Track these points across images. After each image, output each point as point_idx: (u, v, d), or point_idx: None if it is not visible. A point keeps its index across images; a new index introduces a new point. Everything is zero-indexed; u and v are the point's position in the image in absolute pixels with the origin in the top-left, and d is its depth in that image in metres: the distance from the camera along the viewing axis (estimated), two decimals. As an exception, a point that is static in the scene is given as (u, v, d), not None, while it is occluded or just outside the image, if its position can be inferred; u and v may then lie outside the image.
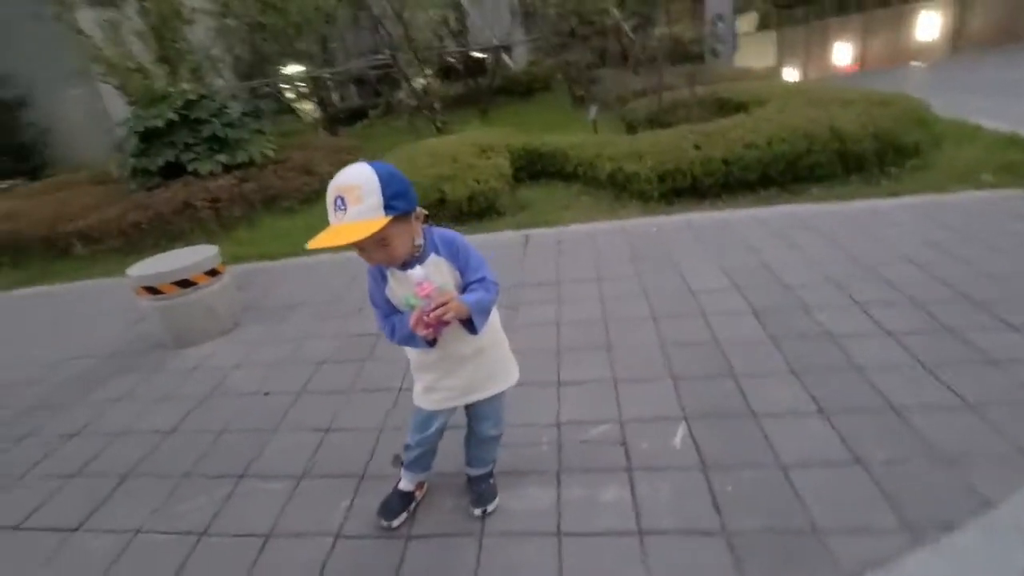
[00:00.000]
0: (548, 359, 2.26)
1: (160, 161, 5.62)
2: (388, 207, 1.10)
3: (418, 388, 1.44)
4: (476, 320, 1.24)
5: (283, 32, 9.55)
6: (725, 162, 3.93)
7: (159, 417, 2.31)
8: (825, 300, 2.40)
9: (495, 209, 4.37)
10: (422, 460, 1.55)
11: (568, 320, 2.59)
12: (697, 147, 4.04)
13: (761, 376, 1.94)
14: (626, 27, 9.94)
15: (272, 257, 4.33)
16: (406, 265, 1.22)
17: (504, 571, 1.36)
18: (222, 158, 5.75)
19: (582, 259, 3.30)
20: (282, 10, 9.20)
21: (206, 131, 5.79)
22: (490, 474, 1.59)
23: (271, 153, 6.00)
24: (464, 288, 1.29)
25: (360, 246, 1.14)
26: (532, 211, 4.38)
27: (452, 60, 11.76)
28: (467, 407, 1.48)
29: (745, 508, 1.42)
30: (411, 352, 1.40)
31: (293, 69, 11.31)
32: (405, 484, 1.58)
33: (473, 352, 1.37)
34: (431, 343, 1.24)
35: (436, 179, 4.35)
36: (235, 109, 6.48)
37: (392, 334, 1.30)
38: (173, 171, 5.73)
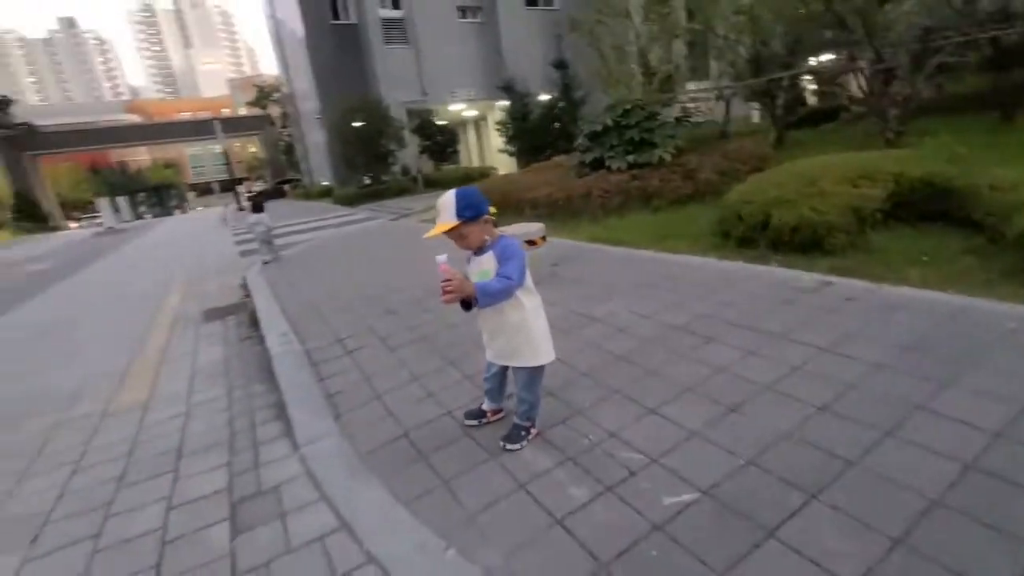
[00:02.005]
0: None
1: (590, 157, 7.45)
2: (459, 214, 1.83)
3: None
4: (478, 298, 1.82)
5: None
6: None
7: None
8: None
9: (822, 246, 3.80)
10: (490, 393, 2.24)
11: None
12: None
13: None
14: None
15: (611, 243, 5.31)
16: (478, 252, 1.92)
17: (490, 478, 1.94)
18: (631, 158, 7.03)
19: (869, 337, 2.69)
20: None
21: (628, 135, 7.17)
22: (524, 428, 2.11)
23: (668, 157, 6.83)
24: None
25: (450, 237, 1.92)
26: (869, 257, 3.57)
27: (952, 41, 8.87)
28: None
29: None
30: None
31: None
32: (483, 405, 2.31)
33: (501, 328, 1.95)
34: (464, 308, 1.91)
35: (769, 203, 4.15)
36: (665, 115, 7.57)
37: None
38: (598, 165, 7.46)
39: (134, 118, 75.67)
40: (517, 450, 2.06)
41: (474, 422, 2.30)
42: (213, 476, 2.32)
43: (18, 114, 46.47)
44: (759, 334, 2.75)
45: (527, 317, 1.95)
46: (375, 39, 23.21)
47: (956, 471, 1.62)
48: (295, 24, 26.08)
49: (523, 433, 2.10)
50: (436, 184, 20.82)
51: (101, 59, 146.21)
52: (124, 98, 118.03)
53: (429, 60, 24.14)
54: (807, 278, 3.41)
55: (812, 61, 10.73)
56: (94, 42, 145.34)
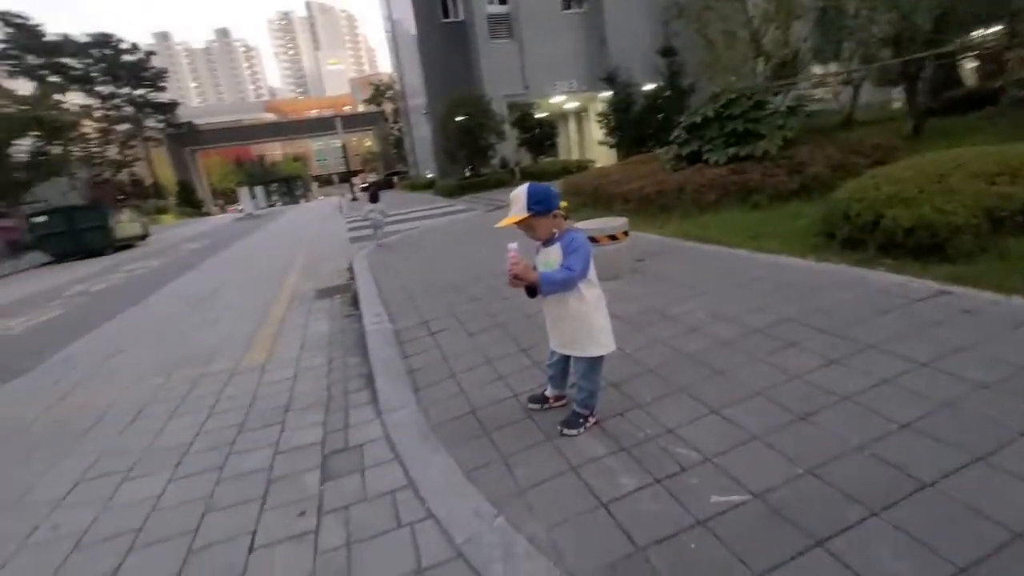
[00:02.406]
0: None
1: (686, 150, 7.15)
2: (529, 208, 1.95)
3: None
4: (541, 286, 1.92)
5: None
6: None
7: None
8: None
9: (944, 250, 3.38)
10: (553, 379, 2.35)
11: (822, 381, 2.28)
12: None
13: None
14: None
15: (702, 240, 5.11)
16: (547, 243, 2.04)
17: (544, 458, 2.07)
18: (731, 150, 6.65)
19: (982, 354, 2.41)
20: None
21: (730, 126, 6.78)
22: (583, 416, 2.19)
23: (773, 150, 6.36)
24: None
25: (520, 228, 2.04)
26: (1001, 266, 3.11)
27: None
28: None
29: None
30: None
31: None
32: (547, 391, 2.42)
33: (562, 317, 2.04)
34: (529, 294, 2.02)
35: (883, 201, 3.76)
36: (776, 103, 7.03)
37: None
38: (696, 158, 7.16)
39: (271, 116, 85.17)
40: (574, 436, 2.15)
41: (536, 406, 2.42)
42: (311, 431, 2.69)
43: (182, 115, 54.35)
44: (849, 342, 2.56)
45: (588, 309, 2.02)
46: (481, 34, 23.93)
47: (1057, 507, 1.45)
48: (408, 23, 27.63)
49: (581, 420, 2.18)
50: (533, 176, 21.05)
51: (247, 64, 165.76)
52: (264, 99, 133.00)
53: (531, 53, 24.38)
54: (918, 285, 3.07)
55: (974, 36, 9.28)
56: (242, 49, 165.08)
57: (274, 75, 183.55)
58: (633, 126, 21.07)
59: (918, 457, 1.72)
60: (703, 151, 6.98)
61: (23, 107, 25.31)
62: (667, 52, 20.86)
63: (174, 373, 3.96)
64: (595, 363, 2.10)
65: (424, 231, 10.18)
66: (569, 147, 31.02)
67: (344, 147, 36.30)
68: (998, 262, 3.18)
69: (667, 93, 20.93)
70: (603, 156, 23.59)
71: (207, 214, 51.34)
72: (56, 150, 27.29)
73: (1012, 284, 2.88)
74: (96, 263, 14.89)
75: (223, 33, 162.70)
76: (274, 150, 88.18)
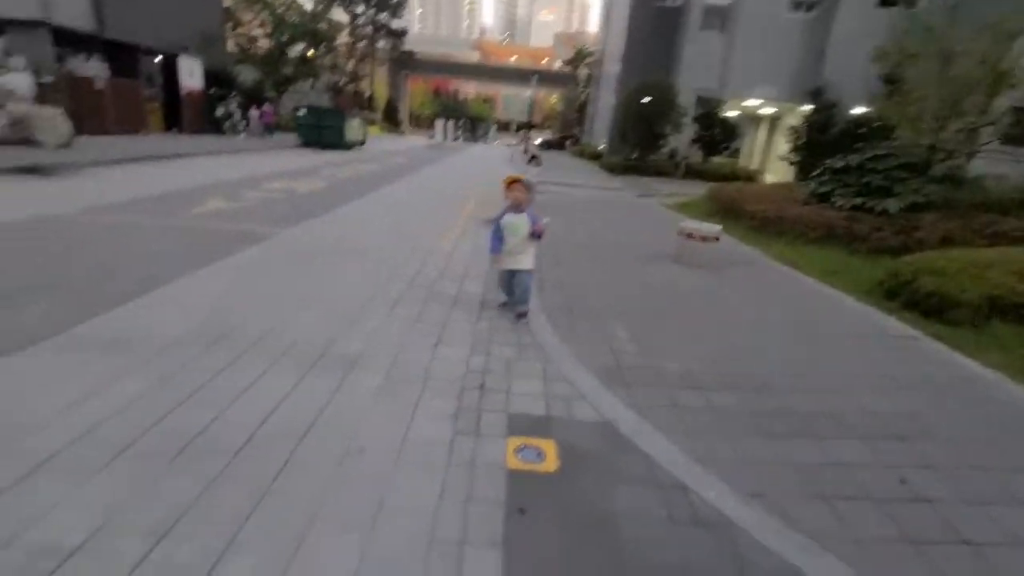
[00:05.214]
0: None
1: (821, 190, 7.96)
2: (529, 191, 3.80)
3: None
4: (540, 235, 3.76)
5: None
6: None
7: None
8: None
9: (942, 315, 4.39)
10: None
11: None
12: None
13: None
14: None
15: (786, 262, 6.31)
16: (517, 211, 3.85)
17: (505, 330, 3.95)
18: (858, 200, 7.39)
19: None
20: None
21: (868, 178, 7.47)
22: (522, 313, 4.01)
23: (894, 210, 6.97)
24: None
25: (514, 191, 3.84)
26: (980, 338, 4.11)
27: None
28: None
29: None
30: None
31: None
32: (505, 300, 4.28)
33: (523, 250, 3.86)
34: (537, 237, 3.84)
35: (925, 269, 4.76)
36: (939, 170, 7.43)
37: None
38: (824, 198, 7.95)
39: (475, 56, 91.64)
40: (522, 318, 4.00)
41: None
42: (477, 284, 4.85)
43: (407, 42, 61.63)
44: (806, 328, 3.98)
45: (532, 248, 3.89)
46: (692, 22, 24.15)
47: None
48: (625, -2, 28.54)
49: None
50: (696, 175, 21.53)
51: (468, 1, 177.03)
52: (474, 36, 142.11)
53: (739, 51, 24.01)
54: (902, 330, 4.25)
55: None
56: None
57: (489, 15, 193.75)
58: (824, 148, 20.15)
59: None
60: (835, 194, 7.76)
61: (304, 19, 31.72)
62: (890, 80, 19.28)
63: (400, 239, 6.49)
64: (531, 275, 3.93)
65: (578, 199, 12.07)
66: (751, 153, 29.99)
67: (533, 102, 38.95)
68: (973, 334, 4.17)
69: (877, 123, 19.53)
70: (780, 171, 22.92)
71: (402, 133, 58.69)
72: (319, 58, 33.81)
73: (968, 350, 3.95)
74: (333, 155, 19.33)
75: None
76: (468, 88, 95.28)
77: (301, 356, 3.13)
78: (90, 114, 15.60)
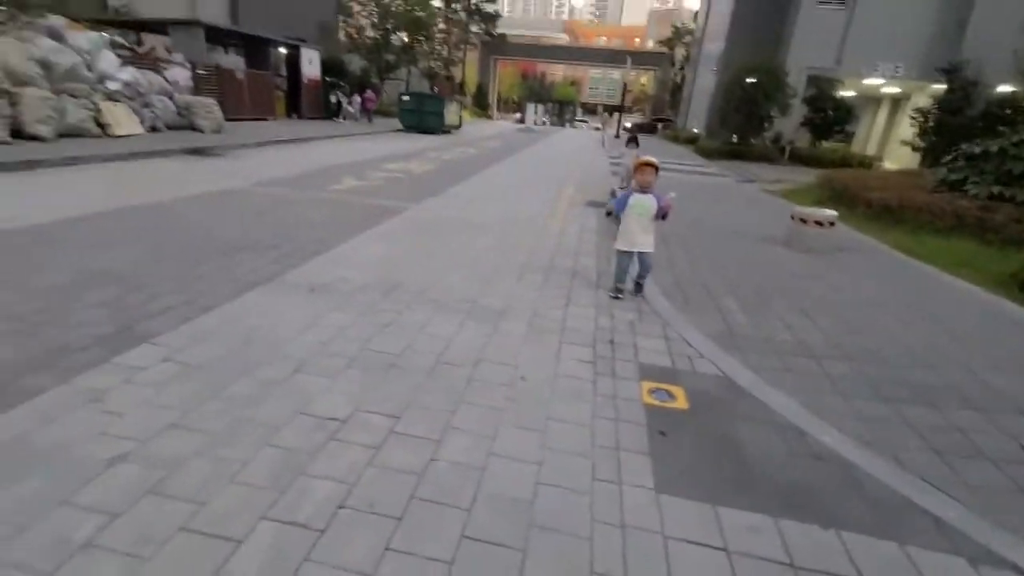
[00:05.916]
0: None
1: (952, 177, 7.45)
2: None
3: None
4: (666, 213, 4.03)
5: None
6: None
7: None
8: None
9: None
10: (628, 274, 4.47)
11: None
12: None
13: None
14: None
15: (904, 251, 6.12)
16: (644, 191, 4.10)
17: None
18: (997, 188, 6.89)
19: None
20: None
21: (1010, 166, 6.92)
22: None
23: None
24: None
25: (643, 171, 4.10)
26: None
27: None
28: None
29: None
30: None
31: None
32: (623, 285, 4.54)
33: (647, 230, 4.11)
34: (663, 216, 4.11)
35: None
36: None
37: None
38: (956, 186, 7.45)
39: (564, 38, 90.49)
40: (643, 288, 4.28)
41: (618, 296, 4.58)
42: (590, 260, 5.29)
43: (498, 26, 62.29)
44: (912, 313, 4.02)
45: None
46: (810, -4, 22.46)
47: None
48: (731, -29, 27.01)
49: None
50: (803, 160, 20.30)
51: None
52: (564, 17, 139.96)
53: (861, 24, 22.08)
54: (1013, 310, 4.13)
55: None
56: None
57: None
58: (956, 132, 18.07)
59: (893, 355, 3.44)
60: (969, 181, 7.26)
61: (408, 7, 33.27)
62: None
63: (513, 217, 7.06)
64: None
65: (669, 182, 12.04)
66: (867, 137, 27.50)
67: (624, 85, 38.11)
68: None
69: (1025, 106, 17.19)
70: (902, 158, 20.99)
71: (490, 117, 59.78)
72: (418, 45, 35.38)
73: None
74: (433, 139, 20.45)
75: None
76: (555, 70, 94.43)
77: (457, 306, 3.77)
78: (232, 102, 17.73)
